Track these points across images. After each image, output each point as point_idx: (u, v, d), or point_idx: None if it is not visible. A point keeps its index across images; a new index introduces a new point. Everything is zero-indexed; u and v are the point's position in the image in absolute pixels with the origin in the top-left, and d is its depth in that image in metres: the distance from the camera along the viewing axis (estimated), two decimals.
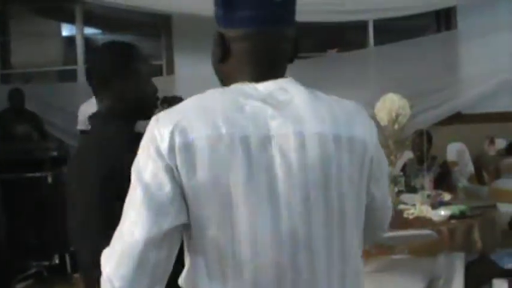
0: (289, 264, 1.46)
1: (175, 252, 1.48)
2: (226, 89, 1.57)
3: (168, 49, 8.93)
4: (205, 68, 8.30)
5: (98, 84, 2.46)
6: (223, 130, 1.43)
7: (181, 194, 1.43)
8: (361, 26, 9.20)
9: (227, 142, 1.43)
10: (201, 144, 1.42)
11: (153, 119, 1.51)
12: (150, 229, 1.41)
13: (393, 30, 9.46)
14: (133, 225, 1.42)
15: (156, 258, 1.42)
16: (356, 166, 1.55)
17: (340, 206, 1.51)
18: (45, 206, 6.55)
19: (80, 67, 8.96)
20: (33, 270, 6.68)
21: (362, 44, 9.34)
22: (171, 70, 8.90)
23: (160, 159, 1.43)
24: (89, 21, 9.25)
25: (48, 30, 9.88)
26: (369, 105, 8.52)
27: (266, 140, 1.46)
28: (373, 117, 6.77)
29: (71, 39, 9.74)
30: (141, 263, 1.41)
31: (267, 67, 1.57)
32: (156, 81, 8.14)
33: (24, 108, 7.68)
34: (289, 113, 1.50)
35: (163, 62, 9.01)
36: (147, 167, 1.44)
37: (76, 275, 6.70)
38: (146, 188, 1.43)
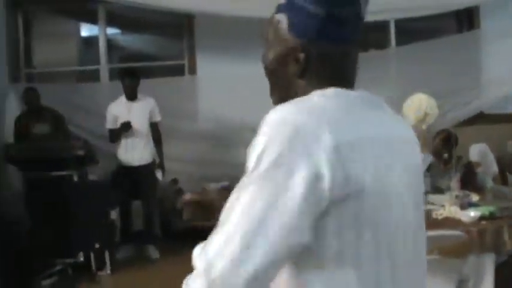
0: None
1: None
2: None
3: (191, 49, 8.94)
4: (227, 68, 8.40)
5: None
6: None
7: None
8: (383, 26, 9.18)
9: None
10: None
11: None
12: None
13: (415, 30, 9.43)
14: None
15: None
16: None
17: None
18: (71, 204, 6.58)
19: (103, 67, 9.01)
20: (58, 268, 6.70)
21: (383, 44, 9.32)
22: (193, 70, 8.92)
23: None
24: (111, 21, 9.27)
25: (69, 31, 9.95)
26: (391, 106, 8.53)
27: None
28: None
29: (90, 40, 9.81)
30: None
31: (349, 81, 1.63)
32: (178, 81, 8.21)
33: (44, 107, 7.67)
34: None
35: (186, 62, 9.03)
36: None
37: (100, 273, 6.74)
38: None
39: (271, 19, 1.68)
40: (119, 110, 7.43)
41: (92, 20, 9.28)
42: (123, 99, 7.49)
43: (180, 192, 8.20)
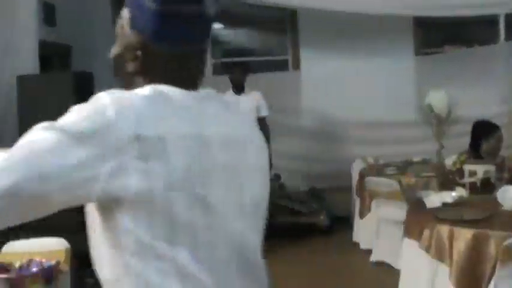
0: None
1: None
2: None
3: (294, 44, 8.91)
4: (331, 63, 8.30)
5: None
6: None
7: None
8: (492, 20, 8.90)
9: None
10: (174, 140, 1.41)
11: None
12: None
13: None
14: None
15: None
16: None
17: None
18: None
19: (207, 61, 9.07)
20: None
21: (492, 39, 9.04)
22: (297, 65, 8.89)
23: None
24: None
25: None
26: (502, 102, 8.32)
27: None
28: None
29: None
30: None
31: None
32: (282, 76, 8.18)
33: None
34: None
35: (289, 57, 9.02)
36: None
37: None
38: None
39: (120, 13, 1.64)
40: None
41: None
42: (230, 93, 7.51)
43: (282, 187, 8.15)
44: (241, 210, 1.56)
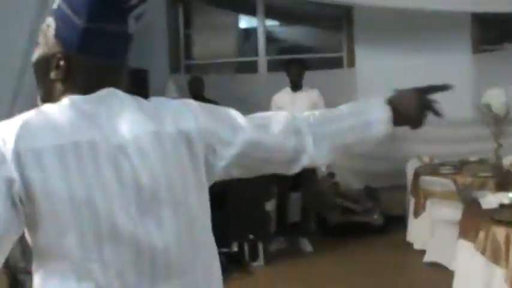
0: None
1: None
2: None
3: (349, 41, 8.84)
4: (387, 61, 8.20)
5: None
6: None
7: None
8: None
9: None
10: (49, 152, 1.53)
11: None
12: None
13: None
14: None
15: None
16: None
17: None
18: (229, 194, 6.64)
19: (261, 59, 9.09)
20: None
21: None
22: (351, 62, 8.80)
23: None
24: (269, 13, 9.31)
25: (228, 23, 10.08)
26: None
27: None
28: None
29: (248, 31, 9.89)
30: None
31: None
32: (337, 73, 8.11)
33: (204, 97, 7.85)
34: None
35: (344, 54, 8.95)
36: None
37: (253, 264, 6.76)
38: None
39: (46, 19, 1.69)
40: (283, 100, 7.42)
41: (251, 12, 9.35)
42: (287, 89, 7.48)
43: (336, 186, 8.10)
44: (128, 210, 1.59)
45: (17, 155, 1.50)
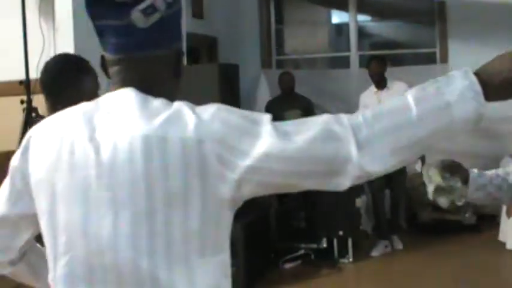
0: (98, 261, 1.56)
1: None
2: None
3: (442, 36, 8.68)
4: (481, 57, 7.98)
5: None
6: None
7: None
8: None
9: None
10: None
11: None
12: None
13: None
14: None
15: None
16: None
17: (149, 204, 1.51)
18: (318, 190, 6.64)
19: (353, 54, 9.06)
20: (301, 252, 6.82)
21: None
22: (444, 58, 8.66)
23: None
24: (361, 8, 9.26)
25: (320, 18, 10.07)
26: None
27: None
28: None
29: (340, 27, 9.87)
30: None
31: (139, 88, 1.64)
32: (429, 69, 7.98)
33: (295, 92, 7.88)
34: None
35: (437, 50, 8.79)
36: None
37: (342, 260, 6.75)
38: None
39: None
40: (369, 100, 7.34)
41: (343, 7, 9.32)
42: (372, 88, 7.42)
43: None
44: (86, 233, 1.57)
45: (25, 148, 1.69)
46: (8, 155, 4.37)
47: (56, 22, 3.83)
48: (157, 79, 1.67)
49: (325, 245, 6.79)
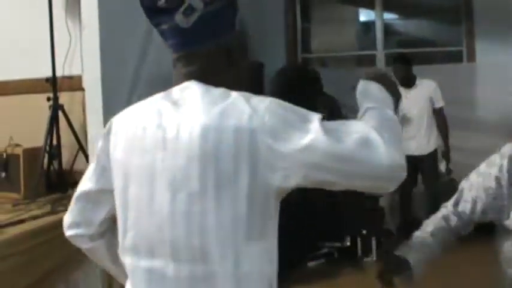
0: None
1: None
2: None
3: (469, 35, 8.61)
4: (508, 56, 7.88)
5: None
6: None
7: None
8: None
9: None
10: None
11: None
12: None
13: None
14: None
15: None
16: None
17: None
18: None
19: (380, 52, 9.02)
20: (325, 251, 6.82)
21: None
22: (472, 57, 8.58)
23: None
24: (388, 6, 9.23)
25: (347, 16, 10.05)
26: None
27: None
28: None
29: (367, 25, 9.83)
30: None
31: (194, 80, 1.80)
32: (456, 68, 7.88)
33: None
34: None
35: (464, 49, 8.73)
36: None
37: (366, 259, 6.73)
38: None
39: None
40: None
41: (370, 5, 9.30)
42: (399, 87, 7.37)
43: (453, 182, 7.93)
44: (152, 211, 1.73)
45: (108, 129, 1.89)
46: (35, 151, 4.44)
47: (82, 21, 3.89)
48: (212, 71, 1.81)
49: (348, 244, 6.78)
